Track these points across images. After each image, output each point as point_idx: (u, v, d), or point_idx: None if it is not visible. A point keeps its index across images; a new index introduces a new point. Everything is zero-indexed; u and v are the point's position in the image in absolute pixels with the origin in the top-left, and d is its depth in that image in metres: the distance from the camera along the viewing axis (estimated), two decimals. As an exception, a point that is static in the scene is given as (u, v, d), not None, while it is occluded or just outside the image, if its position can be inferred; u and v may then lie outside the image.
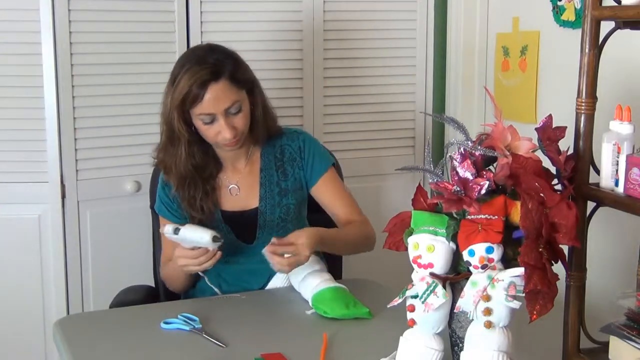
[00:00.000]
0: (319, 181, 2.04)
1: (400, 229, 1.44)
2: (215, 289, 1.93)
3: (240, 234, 2.00)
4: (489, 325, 1.31)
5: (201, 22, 2.56)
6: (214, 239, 1.77)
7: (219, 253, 1.81)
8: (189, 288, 2.03)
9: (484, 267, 1.31)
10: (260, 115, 1.96)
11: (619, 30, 1.63)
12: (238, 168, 2.02)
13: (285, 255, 1.76)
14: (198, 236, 1.79)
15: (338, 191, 2.06)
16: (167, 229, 1.82)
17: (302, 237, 1.79)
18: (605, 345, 1.56)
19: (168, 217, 2.00)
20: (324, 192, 2.05)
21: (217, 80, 1.83)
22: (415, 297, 1.35)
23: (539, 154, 1.45)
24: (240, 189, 2.01)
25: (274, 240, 1.77)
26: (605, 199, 1.60)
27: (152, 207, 2.24)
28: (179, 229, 1.81)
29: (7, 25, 2.34)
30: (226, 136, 1.86)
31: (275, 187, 2.01)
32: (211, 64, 1.84)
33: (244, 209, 2.00)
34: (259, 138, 1.99)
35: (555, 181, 1.46)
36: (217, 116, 1.85)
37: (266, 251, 1.76)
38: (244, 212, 2.00)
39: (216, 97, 1.83)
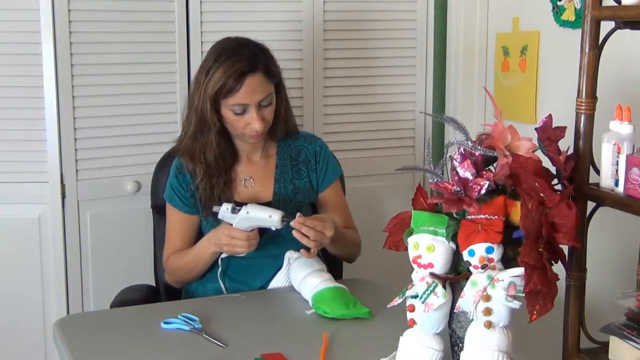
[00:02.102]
0: (327, 188, 2.10)
1: (400, 229, 1.44)
2: (221, 284, 1.95)
3: None
4: (489, 325, 1.31)
5: (201, 22, 2.56)
6: (283, 219, 1.76)
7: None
8: (196, 280, 2.03)
9: (484, 267, 1.31)
10: (283, 111, 2.02)
11: (619, 30, 1.63)
12: (253, 161, 2.06)
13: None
14: (265, 215, 1.80)
15: (342, 200, 2.15)
16: (224, 207, 1.84)
17: (327, 217, 1.89)
18: (605, 345, 1.56)
19: (178, 206, 2.02)
20: (329, 199, 2.11)
21: (254, 72, 1.88)
22: (415, 297, 1.35)
23: (539, 154, 1.45)
24: (254, 181, 2.04)
25: (299, 214, 1.82)
26: (605, 199, 1.60)
27: (152, 206, 2.25)
28: (238, 208, 1.82)
29: (7, 25, 2.34)
30: (256, 127, 1.90)
31: (290, 184, 2.05)
32: (247, 56, 1.90)
33: (256, 202, 2.01)
34: (278, 133, 2.04)
35: (555, 181, 1.47)
36: (249, 107, 1.89)
37: (295, 222, 1.80)
38: None
39: (252, 89, 1.88)
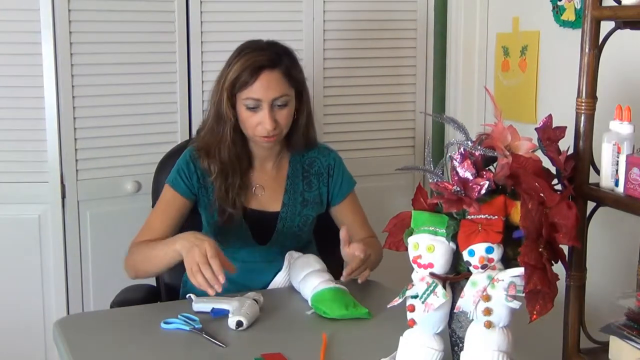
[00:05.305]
0: (342, 201, 2.08)
1: (400, 229, 1.44)
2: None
3: (256, 233, 2.01)
4: (489, 325, 1.31)
5: (201, 22, 2.56)
6: (238, 324, 1.66)
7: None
8: (148, 276, 1.97)
9: (484, 267, 1.31)
10: (303, 123, 1.99)
11: (619, 30, 1.63)
12: (265, 169, 2.03)
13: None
14: (229, 306, 1.71)
15: (358, 213, 2.12)
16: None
17: (353, 246, 1.85)
18: (605, 345, 1.56)
19: (179, 188, 1.94)
20: (345, 212, 2.09)
21: (272, 69, 1.87)
22: (415, 297, 1.35)
23: (539, 154, 1.45)
24: (264, 190, 2.02)
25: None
26: (605, 199, 1.60)
27: (154, 206, 2.24)
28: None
29: (7, 25, 2.34)
30: (267, 127, 1.87)
31: (299, 197, 2.04)
32: (269, 52, 1.89)
33: (264, 210, 2.01)
34: (295, 145, 2.01)
35: (555, 181, 1.47)
36: (262, 104, 1.87)
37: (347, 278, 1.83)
38: (264, 214, 2.01)
39: (267, 84, 1.86)
